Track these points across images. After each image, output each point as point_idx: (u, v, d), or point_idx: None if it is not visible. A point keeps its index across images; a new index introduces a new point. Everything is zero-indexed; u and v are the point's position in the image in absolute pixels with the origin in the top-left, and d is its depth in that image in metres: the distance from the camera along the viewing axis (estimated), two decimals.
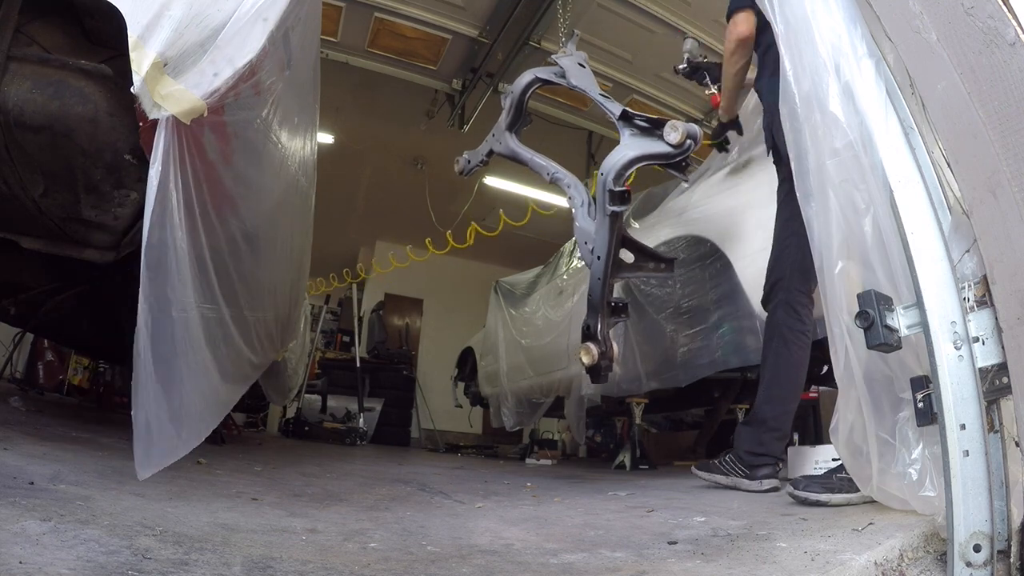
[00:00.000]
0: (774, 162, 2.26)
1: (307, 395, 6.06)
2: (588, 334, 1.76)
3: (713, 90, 2.61)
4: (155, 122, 1.35)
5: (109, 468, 1.72)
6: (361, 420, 5.79)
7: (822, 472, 1.94)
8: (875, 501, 1.51)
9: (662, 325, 3.17)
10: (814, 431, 4.32)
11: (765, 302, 2.20)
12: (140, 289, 1.29)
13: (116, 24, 1.37)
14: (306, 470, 2.65)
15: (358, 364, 6.46)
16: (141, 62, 1.34)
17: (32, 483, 1.30)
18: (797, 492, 1.71)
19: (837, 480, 1.66)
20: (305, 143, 2.62)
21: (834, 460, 1.93)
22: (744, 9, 2.15)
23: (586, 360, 1.71)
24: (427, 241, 4.60)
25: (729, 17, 2.21)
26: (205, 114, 1.44)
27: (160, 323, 1.33)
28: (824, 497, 1.65)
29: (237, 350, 2.12)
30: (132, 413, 1.27)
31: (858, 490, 1.55)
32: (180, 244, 1.43)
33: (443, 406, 7.42)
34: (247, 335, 2.35)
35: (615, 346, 1.81)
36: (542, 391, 4.49)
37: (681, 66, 2.68)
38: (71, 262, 2.04)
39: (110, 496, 1.36)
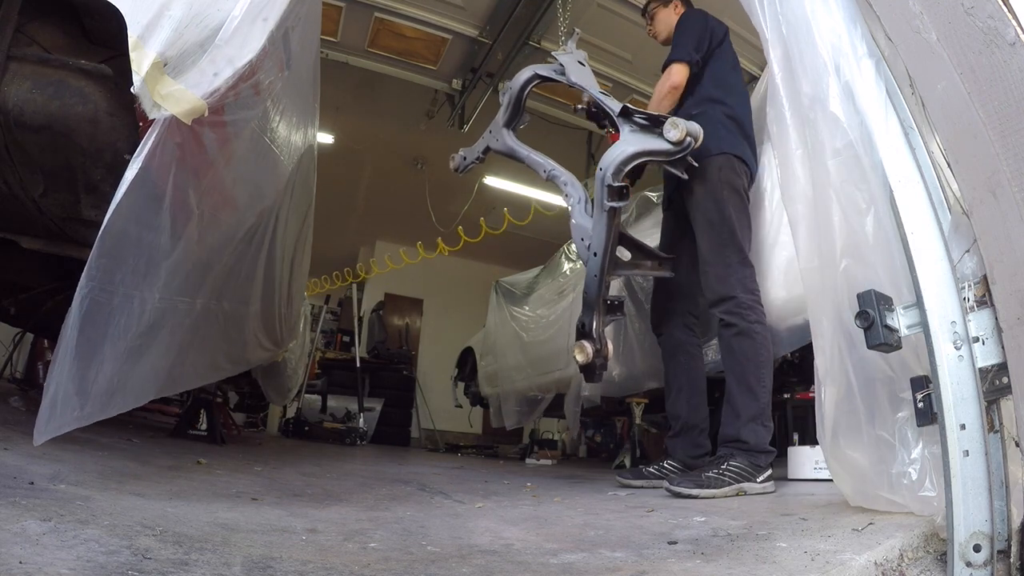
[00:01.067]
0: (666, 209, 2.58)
1: (307, 395, 6.05)
2: (583, 332, 1.76)
3: (612, 131, 2.64)
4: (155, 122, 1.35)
5: (109, 468, 1.73)
6: (361, 420, 5.79)
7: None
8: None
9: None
10: (813, 431, 4.30)
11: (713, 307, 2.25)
12: (85, 270, 1.28)
13: (116, 24, 1.36)
14: (306, 470, 2.65)
15: (358, 364, 6.46)
16: (141, 62, 1.33)
17: (32, 483, 1.30)
18: (671, 487, 1.93)
19: (706, 478, 1.92)
20: (305, 143, 2.62)
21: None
22: (683, 62, 2.31)
23: (580, 358, 1.70)
24: (418, 244, 4.56)
25: (666, 66, 2.36)
26: (206, 114, 1.44)
27: (98, 307, 1.33)
28: (695, 492, 1.87)
29: (204, 342, 2.14)
30: (44, 384, 1.27)
31: (727, 485, 1.88)
32: (145, 237, 1.42)
33: (443, 406, 7.42)
34: (230, 329, 2.37)
35: (610, 344, 1.82)
36: (541, 390, 4.50)
37: (580, 107, 2.71)
38: (71, 262, 2.04)
39: (110, 496, 1.36)
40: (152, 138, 1.33)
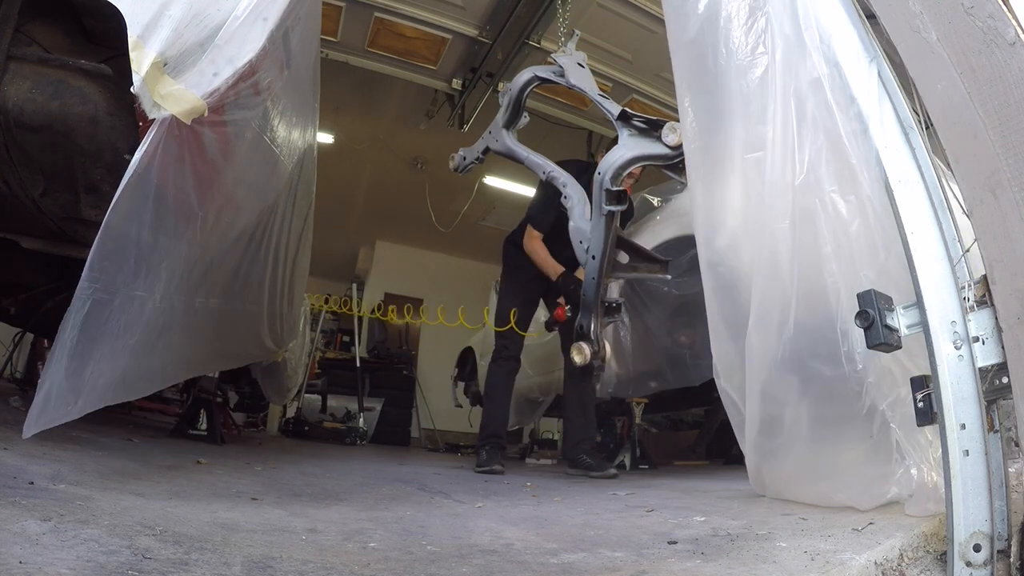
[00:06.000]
0: None
1: (307, 395, 6.05)
2: (581, 333, 1.76)
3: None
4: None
5: (109, 468, 1.72)
6: (361, 420, 5.79)
7: None
8: None
9: (663, 326, 3.17)
10: None
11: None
12: (86, 271, 1.28)
13: (116, 24, 1.36)
14: (306, 470, 2.65)
15: (358, 364, 6.46)
16: (141, 62, 1.34)
17: (32, 483, 1.30)
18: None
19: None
20: (305, 143, 2.62)
21: None
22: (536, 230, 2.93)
23: (578, 359, 1.71)
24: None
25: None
26: (205, 114, 1.44)
27: (99, 307, 1.33)
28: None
29: (205, 339, 2.19)
30: (39, 380, 1.27)
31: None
32: (146, 237, 1.42)
33: (443, 406, 7.41)
34: (233, 326, 2.41)
35: (607, 346, 1.82)
36: (542, 390, 4.49)
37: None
38: (71, 262, 2.04)
39: (110, 496, 1.36)
40: (151, 138, 1.34)
